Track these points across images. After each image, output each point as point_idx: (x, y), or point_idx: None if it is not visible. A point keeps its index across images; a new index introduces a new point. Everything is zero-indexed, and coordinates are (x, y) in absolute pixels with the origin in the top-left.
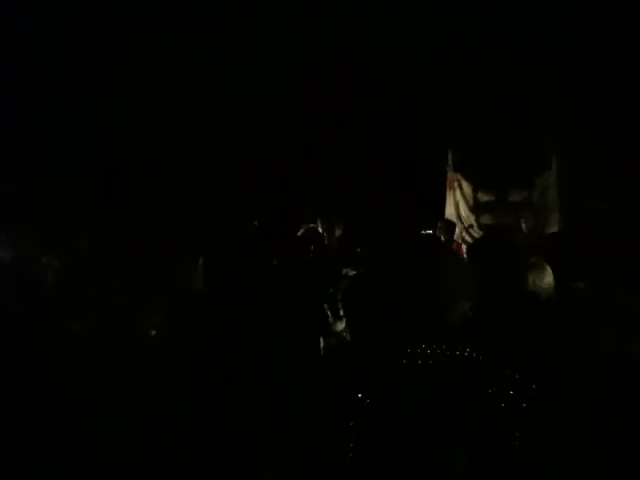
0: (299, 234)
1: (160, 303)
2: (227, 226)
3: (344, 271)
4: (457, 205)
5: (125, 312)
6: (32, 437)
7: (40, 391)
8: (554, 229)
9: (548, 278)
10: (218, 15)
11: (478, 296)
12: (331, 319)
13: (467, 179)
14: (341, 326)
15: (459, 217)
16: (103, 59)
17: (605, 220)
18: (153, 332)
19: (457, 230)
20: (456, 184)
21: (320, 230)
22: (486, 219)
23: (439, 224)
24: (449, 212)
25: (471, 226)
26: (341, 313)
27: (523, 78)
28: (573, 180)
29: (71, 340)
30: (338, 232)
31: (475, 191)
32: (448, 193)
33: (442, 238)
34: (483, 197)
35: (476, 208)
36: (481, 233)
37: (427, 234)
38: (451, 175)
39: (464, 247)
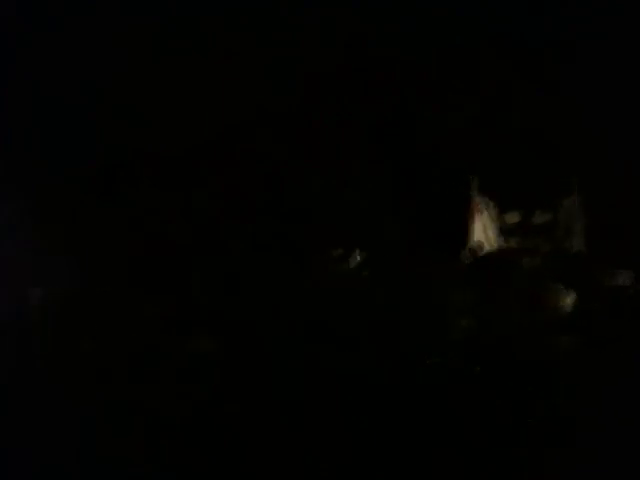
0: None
1: (160, 304)
2: (227, 226)
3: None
4: (484, 228)
5: (125, 313)
6: (32, 437)
7: (40, 391)
8: (580, 249)
9: (569, 300)
10: (218, 15)
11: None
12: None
13: (492, 202)
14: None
15: (486, 240)
16: (103, 60)
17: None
18: (153, 333)
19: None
20: (482, 207)
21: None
22: (512, 242)
23: (463, 251)
24: (477, 235)
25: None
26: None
27: (523, 78)
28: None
29: (72, 340)
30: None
31: (501, 214)
32: (475, 217)
33: (467, 263)
34: (509, 220)
35: (502, 231)
36: (507, 255)
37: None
38: (476, 199)
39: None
